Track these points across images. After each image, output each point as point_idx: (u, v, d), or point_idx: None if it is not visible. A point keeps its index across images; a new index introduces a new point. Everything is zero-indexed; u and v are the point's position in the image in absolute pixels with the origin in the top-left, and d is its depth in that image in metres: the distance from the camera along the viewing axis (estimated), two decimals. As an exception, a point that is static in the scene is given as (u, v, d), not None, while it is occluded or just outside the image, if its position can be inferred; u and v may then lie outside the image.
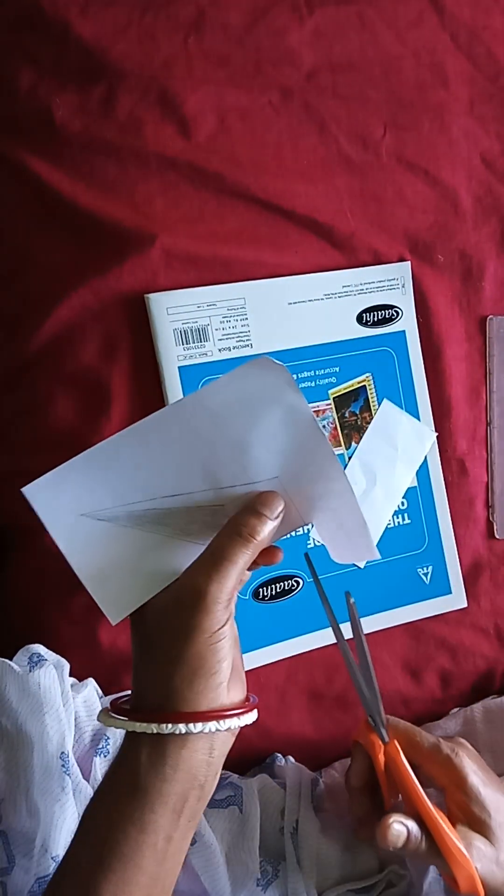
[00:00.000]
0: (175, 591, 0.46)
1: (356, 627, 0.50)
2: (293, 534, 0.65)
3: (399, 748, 0.52)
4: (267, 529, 0.46)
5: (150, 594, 0.47)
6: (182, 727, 0.43)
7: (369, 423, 0.68)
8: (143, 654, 0.46)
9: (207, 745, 0.44)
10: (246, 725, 0.46)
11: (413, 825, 0.50)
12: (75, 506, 0.47)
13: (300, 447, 0.47)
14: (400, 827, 0.49)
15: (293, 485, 0.48)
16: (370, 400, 0.68)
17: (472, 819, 0.51)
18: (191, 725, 0.43)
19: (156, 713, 0.44)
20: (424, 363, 0.69)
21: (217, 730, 0.44)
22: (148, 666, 0.46)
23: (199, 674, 0.44)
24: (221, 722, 0.44)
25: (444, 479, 0.70)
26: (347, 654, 0.53)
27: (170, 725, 0.43)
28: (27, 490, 0.46)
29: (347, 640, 0.55)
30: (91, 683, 0.61)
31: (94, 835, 0.43)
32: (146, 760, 0.43)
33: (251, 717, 0.46)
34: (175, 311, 0.63)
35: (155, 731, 0.43)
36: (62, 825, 0.53)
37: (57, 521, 0.47)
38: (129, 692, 0.53)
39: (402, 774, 0.51)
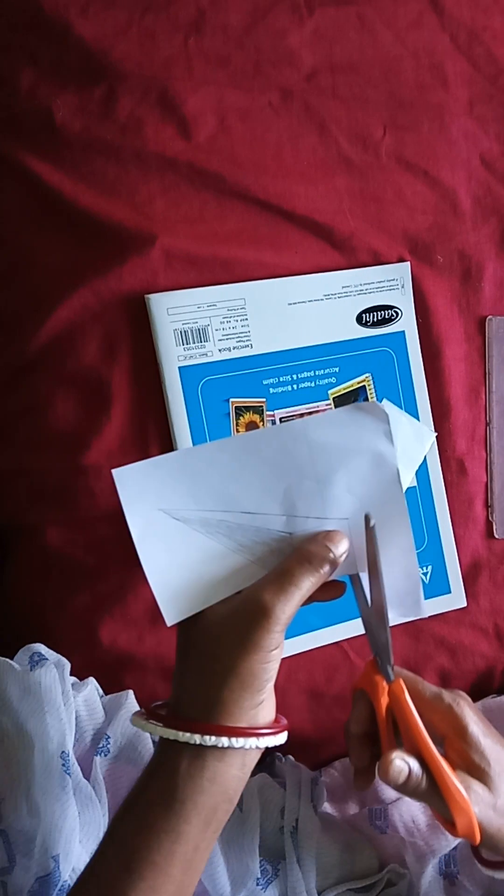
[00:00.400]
0: (238, 604, 0.46)
1: (373, 554, 0.49)
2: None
3: (404, 687, 0.51)
4: (331, 566, 0.48)
5: (208, 603, 0.48)
6: (225, 740, 0.44)
7: (369, 423, 0.68)
8: (191, 661, 0.47)
9: (241, 760, 0.45)
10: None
11: (414, 763, 0.49)
12: (156, 499, 0.48)
13: (377, 496, 0.49)
14: (402, 763, 0.49)
15: (360, 530, 0.49)
16: (370, 400, 0.68)
17: (472, 766, 0.51)
18: (233, 740, 0.44)
19: (199, 723, 0.44)
20: (424, 363, 0.69)
21: (256, 747, 0.45)
22: (194, 673, 0.46)
23: (248, 690, 0.44)
24: (260, 739, 0.45)
25: (444, 479, 0.70)
26: (359, 585, 0.52)
27: (213, 738, 0.43)
28: (117, 472, 0.47)
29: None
30: (92, 683, 0.61)
31: (126, 841, 0.44)
32: (185, 771, 0.44)
33: (283, 737, 0.47)
34: (175, 312, 0.63)
35: (198, 742, 0.43)
36: (62, 825, 0.53)
37: (136, 510, 0.48)
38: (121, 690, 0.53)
39: (405, 713, 0.50)
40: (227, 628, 0.46)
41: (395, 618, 0.53)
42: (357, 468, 0.48)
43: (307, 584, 0.46)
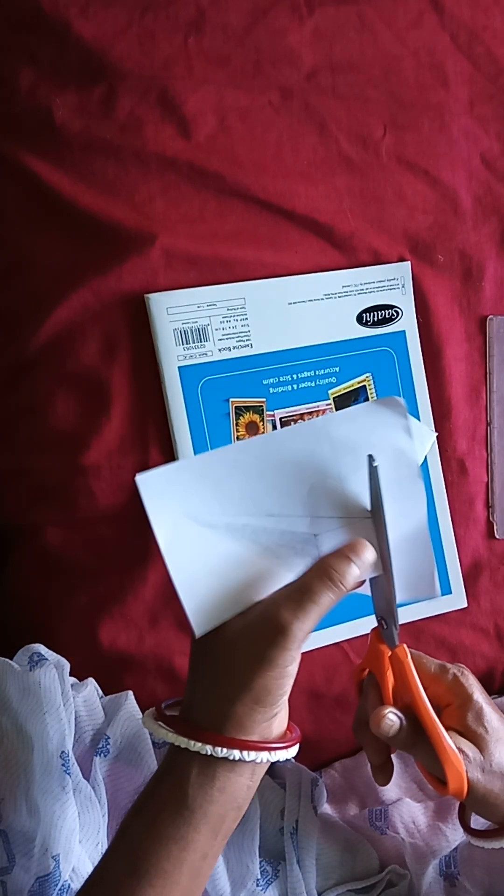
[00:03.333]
0: (255, 619, 0.45)
1: (377, 498, 0.48)
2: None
3: (407, 651, 0.51)
4: (354, 579, 0.47)
5: (236, 612, 0.47)
6: (237, 753, 0.43)
7: (369, 422, 0.68)
8: (205, 670, 0.46)
9: (251, 770, 0.45)
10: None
11: (405, 719, 0.50)
12: (181, 505, 0.47)
13: (396, 490, 0.48)
14: (394, 717, 0.49)
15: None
16: (370, 400, 0.68)
17: (469, 731, 0.51)
18: (244, 753, 0.44)
19: (211, 734, 0.44)
20: (424, 363, 0.69)
21: (267, 760, 0.45)
22: (208, 683, 0.46)
23: (262, 704, 0.44)
24: (272, 753, 0.45)
25: (444, 479, 0.70)
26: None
27: (225, 750, 0.43)
28: (140, 478, 0.46)
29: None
30: (91, 683, 0.61)
31: (134, 847, 0.44)
32: (195, 780, 0.44)
33: (294, 750, 0.47)
34: (175, 311, 0.63)
35: (209, 753, 0.43)
36: (62, 825, 0.53)
37: (161, 516, 0.46)
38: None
39: (405, 672, 0.50)
40: (243, 642, 0.45)
41: (409, 597, 0.52)
42: (381, 467, 0.48)
43: (326, 600, 0.45)
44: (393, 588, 0.49)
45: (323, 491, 0.48)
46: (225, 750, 0.43)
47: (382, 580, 0.50)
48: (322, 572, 0.46)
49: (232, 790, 0.44)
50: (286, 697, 0.46)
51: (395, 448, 0.48)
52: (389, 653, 0.51)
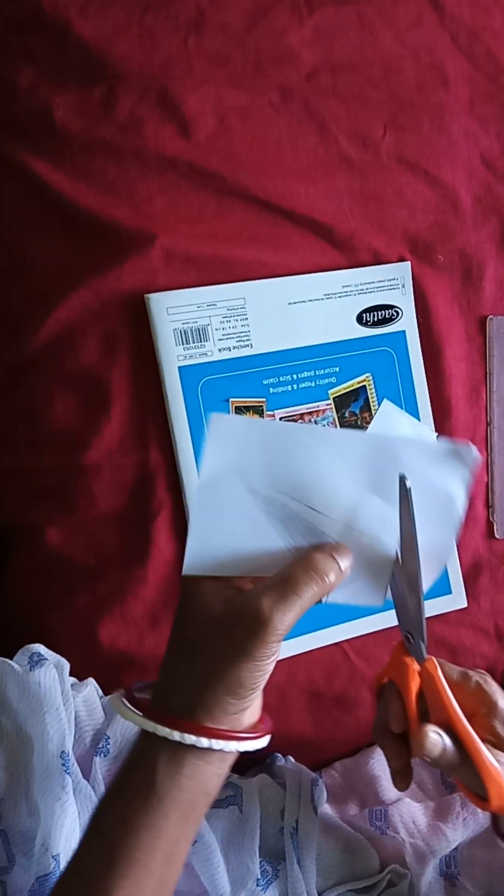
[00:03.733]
0: (235, 607, 0.45)
1: (409, 521, 0.47)
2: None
3: (437, 664, 0.51)
4: (336, 578, 0.46)
5: (231, 573, 0.47)
6: (205, 741, 0.43)
7: (369, 423, 0.68)
8: (181, 657, 0.46)
9: (220, 759, 0.45)
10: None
11: (446, 736, 0.49)
12: (235, 459, 0.47)
13: (432, 533, 0.48)
14: (436, 736, 0.49)
15: (409, 556, 0.49)
16: (370, 400, 0.68)
17: (500, 741, 0.51)
18: (213, 741, 0.43)
19: (180, 721, 0.44)
20: (424, 363, 0.69)
21: (236, 750, 0.44)
22: (182, 668, 0.45)
23: (234, 696, 0.44)
24: (241, 743, 0.44)
25: (444, 479, 0.70)
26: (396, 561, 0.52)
27: (193, 737, 0.43)
28: (216, 415, 0.46)
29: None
30: (91, 683, 0.61)
31: (107, 837, 0.43)
32: (164, 767, 0.43)
33: (264, 741, 0.47)
34: (175, 311, 0.63)
35: (177, 739, 0.43)
36: (62, 824, 0.53)
37: (214, 458, 0.46)
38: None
39: (438, 689, 0.50)
40: (221, 630, 0.44)
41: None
42: (425, 502, 0.47)
43: (310, 593, 0.45)
44: (422, 605, 0.49)
45: (366, 506, 0.48)
46: (194, 737, 0.43)
47: (408, 596, 0.50)
48: (308, 565, 0.45)
49: (201, 778, 0.44)
50: (260, 691, 0.45)
51: (447, 495, 0.48)
52: (416, 666, 0.51)
